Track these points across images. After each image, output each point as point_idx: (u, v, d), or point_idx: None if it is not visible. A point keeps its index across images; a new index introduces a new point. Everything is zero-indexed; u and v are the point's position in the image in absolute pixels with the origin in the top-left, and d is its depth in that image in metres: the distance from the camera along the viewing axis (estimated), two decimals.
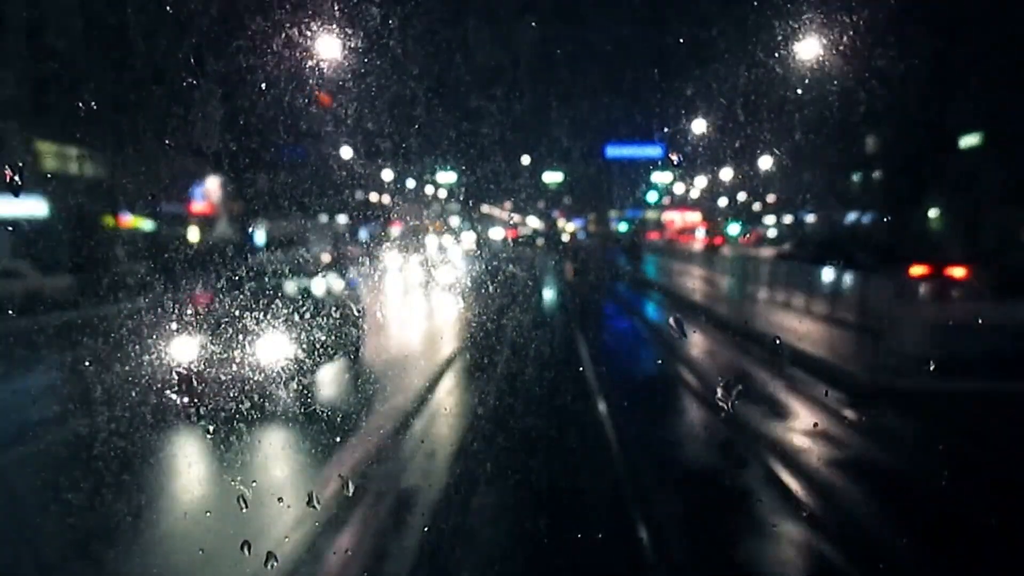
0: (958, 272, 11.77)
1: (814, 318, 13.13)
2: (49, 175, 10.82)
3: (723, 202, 31.39)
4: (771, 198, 32.47)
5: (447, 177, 16.19)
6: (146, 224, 12.28)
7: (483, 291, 8.28)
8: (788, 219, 33.10)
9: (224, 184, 14.09)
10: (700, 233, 31.10)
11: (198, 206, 14.32)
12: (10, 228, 9.91)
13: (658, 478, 6.89)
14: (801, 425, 8.19)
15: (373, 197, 15.01)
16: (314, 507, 4.45)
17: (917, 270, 11.94)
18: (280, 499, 4.82)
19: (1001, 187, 17.30)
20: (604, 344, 13.64)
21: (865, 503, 6.44)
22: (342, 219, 14.20)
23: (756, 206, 33.23)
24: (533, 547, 5.20)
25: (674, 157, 13.28)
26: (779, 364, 9.93)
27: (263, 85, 7.02)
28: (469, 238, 16.92)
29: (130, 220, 12.09)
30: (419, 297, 12.99)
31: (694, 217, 32.82)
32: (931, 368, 7.96)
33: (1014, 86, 16.32)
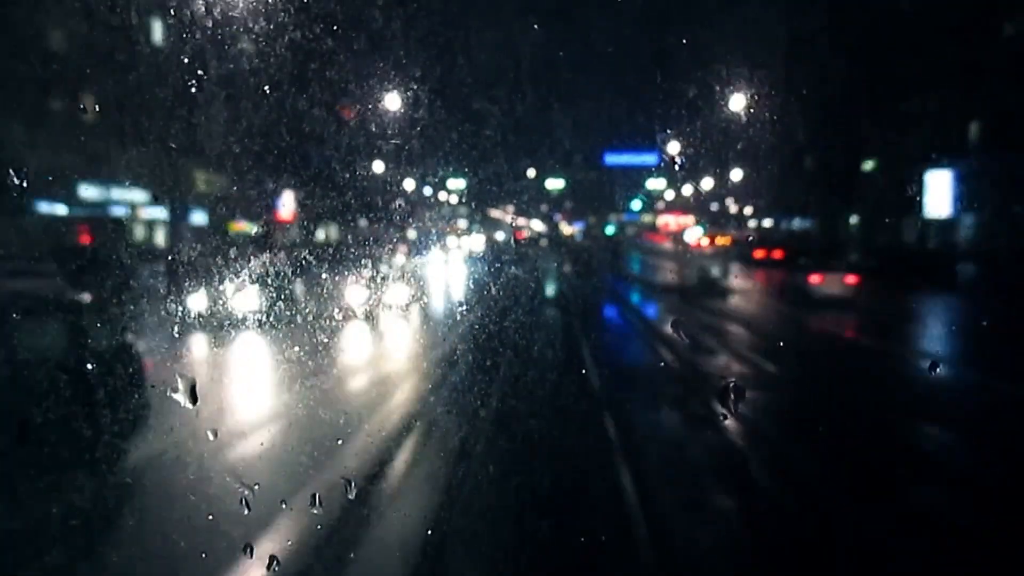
0: (776, 254, 19.06)
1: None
2: (202, 195, 16.05)
3: (715, 206, 34.85)
4: (761, 203, 36.15)
5: (457, 184, 17.25)
6: (251, 229, 17.43)
7: (487, 292, 8.71)
8: (768, 223, 36.95)
9: (296, 197, 18.49)
10: (689, 235, 34.53)
11: (283, 215, 18.86)
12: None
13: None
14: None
15: (395, 203, 13.98)
16: None
17: (758, 253, 19.12)
18: None
19: (888, 201, 22.19)
20: (587, 299, 21.07)
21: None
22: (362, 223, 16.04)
23: (748, 210, 36.91)
24: None
25: (677, 158, 13.58)
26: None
27: (325, 115, 9.00)
28: (479, 240, 20.51)
29: (244, 226, 17.33)
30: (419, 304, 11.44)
31: (686, 220, 36.16)
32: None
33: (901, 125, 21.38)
